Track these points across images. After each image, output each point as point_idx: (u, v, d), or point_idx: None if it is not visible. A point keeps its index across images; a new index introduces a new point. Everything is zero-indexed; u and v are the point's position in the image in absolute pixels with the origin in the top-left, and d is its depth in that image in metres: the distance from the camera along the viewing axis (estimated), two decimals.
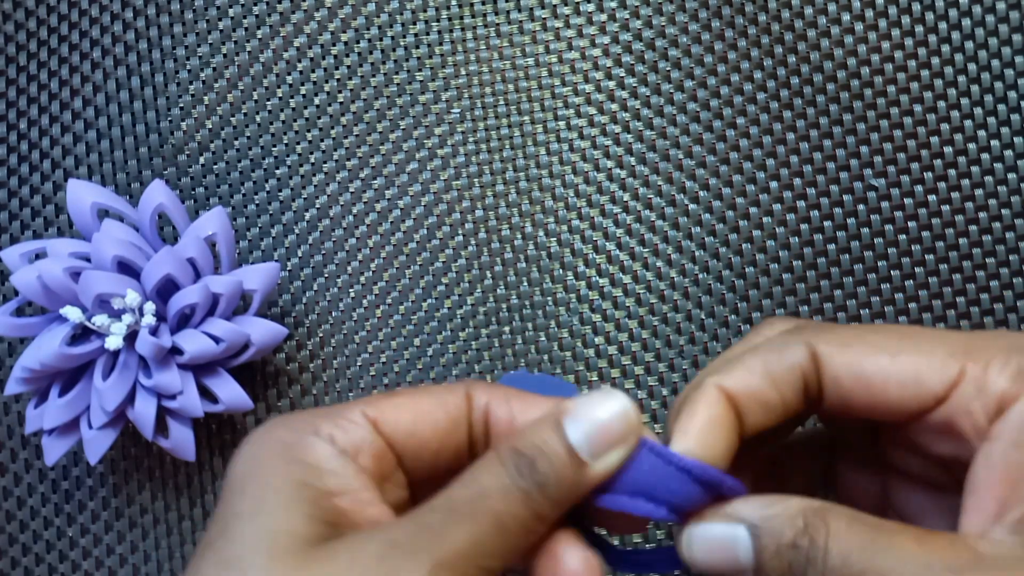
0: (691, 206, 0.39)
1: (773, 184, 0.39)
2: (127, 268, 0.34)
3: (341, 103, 0.40)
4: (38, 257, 0.35)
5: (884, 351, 0.25)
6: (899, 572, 0.22)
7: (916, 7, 0.40)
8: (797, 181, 0.39)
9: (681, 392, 0.26)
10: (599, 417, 0.24)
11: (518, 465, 0.23)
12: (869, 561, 0.23)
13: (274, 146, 0.40)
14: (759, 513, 0.24)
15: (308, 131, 0.40)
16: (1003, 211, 0.38)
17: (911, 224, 0.38)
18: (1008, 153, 0.39)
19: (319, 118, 0.40)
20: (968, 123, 0.39)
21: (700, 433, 0.25)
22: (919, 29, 0.39)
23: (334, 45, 0.40)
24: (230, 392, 0.35)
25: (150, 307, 0.33)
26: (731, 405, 0.25)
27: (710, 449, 0.25)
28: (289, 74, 0.40)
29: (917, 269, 0.38)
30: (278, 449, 0.24)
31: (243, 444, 0.24)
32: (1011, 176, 0.38)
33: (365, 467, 0.24)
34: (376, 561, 0.22)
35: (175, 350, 0.34)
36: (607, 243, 0.39)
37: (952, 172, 0.39)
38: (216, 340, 0.34)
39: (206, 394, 0.35)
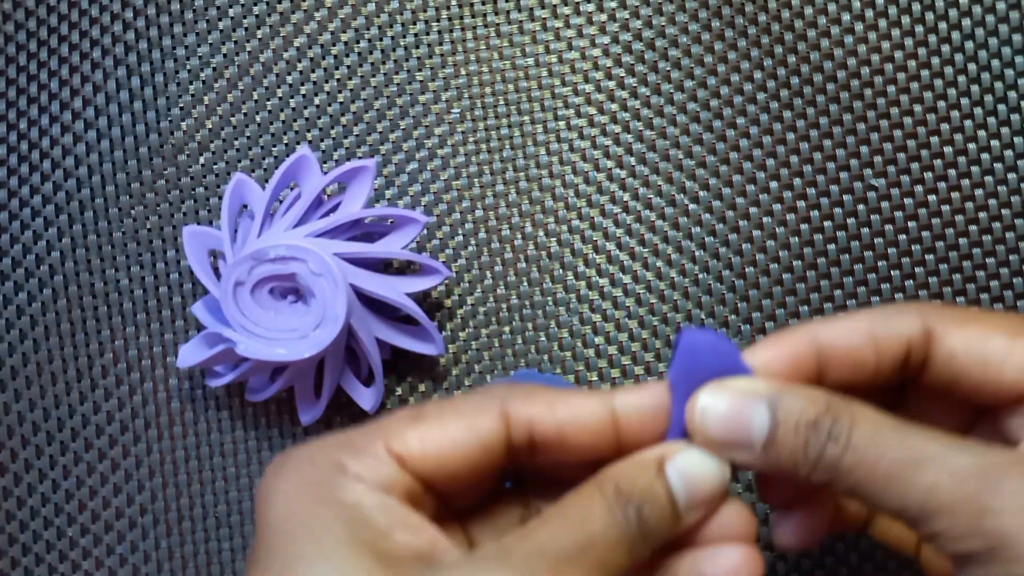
0: (691, 206, 0.39)
1: (773, 184, 0.39)
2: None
3: (341, 103, 0.40)
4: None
5: (1003, 332, 0.24)
6: (933, 459, 0.22)
7: (916, 7, 0.40)
8: (797, 181, 0.39)
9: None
10: (700, 473, 0.24)
11: (625, 511, 0.23)
12: (901, 443, 0.22)
13: (274, 146, 0.40)
14: (780, 389, 0.24)
15: (308, 131, 0.40)
16: (1003, 211, 0.38)
17: (911, 224, 0.38)
18: (1008, 153, 0.38)
19: (319, 118, 0.40)
20: (968, 123, 0.39)
21: (766, 364, 0.24)
22: (919, 29, 0.39)
23: (334, 45, 0.40)
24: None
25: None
26: (815, 355, 0.24)
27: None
28: (289, 74, 0.40)
29: (917, 269, 0.38)
30: (311, 490, 0.22)
31: (267, 481, 0.23)
32: (1011, 176, 0.38)
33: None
34: None
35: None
36: (607, 243, 0.39)
37: (952, 172, 0.39)
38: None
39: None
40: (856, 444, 0.22)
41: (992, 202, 0.38)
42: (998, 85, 0.39)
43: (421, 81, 0.40)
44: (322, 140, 0.40)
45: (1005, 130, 0.39)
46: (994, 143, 0.39)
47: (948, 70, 0.39)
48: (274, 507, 0.22)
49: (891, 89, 0.39)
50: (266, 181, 0.39)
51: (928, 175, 0.39)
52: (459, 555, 0.22)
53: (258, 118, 0.40)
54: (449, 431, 0.23)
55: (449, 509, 0.25)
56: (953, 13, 0.39)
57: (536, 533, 0.22)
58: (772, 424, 0.23)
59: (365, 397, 0.36)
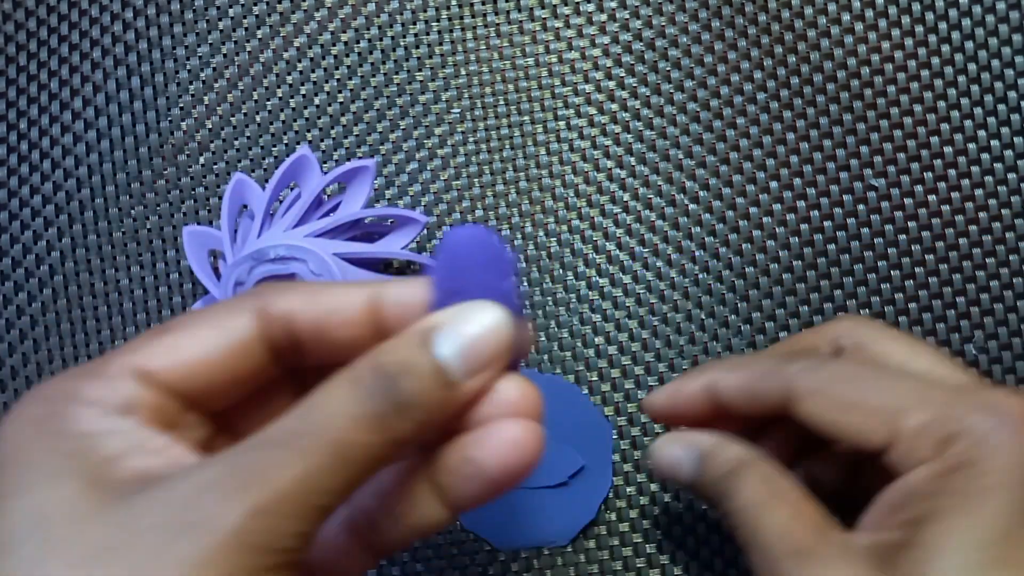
0: (691, 206, 0.39)
1: (773, 184, 0.39)
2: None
3: (341, 103, 0.40)
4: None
5: (855, 397, 0.27)
6: (763, 532, 0.26)
7: (916, 7, 0.40)
8: (797, 181, 0.39)
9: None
10: (472, 332, 0.21)
11: (374, 386, 0.20)
12: (753, 518, 0.26)
13: (274, 146, 0.40)
14: (711, 447, 0.29)
15: (308, 131, 0.40)
16: (1003, 211, 0.38)
17: (911, 224, 0.38)
18: (1008, 153, 0.39)
19: (319, 118, 0.40)
20: (968, 123, 0.39)
21: (666, 401, 0.31)
22: (919, 29, 0.39)
23: (334, 45, 0.41)
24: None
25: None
26: (712, 395, 0.30)
27: (671, 402, 0.31)
28: (289, 74, 0.40)
29: (917, 269, 0.38)
30: (32, 427, 0.20)
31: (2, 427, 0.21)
32: (1011, 176, 0.38)
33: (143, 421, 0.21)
34: (179, 509, 0.18)
35: None
36: (607, 243, 0.39)
37: (952, 172, 0.39)
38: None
39: None
40: (734, 508, 0.27)
41: (992, 202, 0.38)
42: (998, 85, 0.39)
43: (421, 81, 0.40)
44: (322, 140, 0.40)
45: (1005, 130, 0.39)
46: (994, 143, 0.39)
47: (948, 70, 0.39)
48: None
49: (891, 89, 0.39)
50: (266, 181, 0.39)
51: (928, 175, 0.39)
52: (188, 467, 0.20)
53: (258, 118, 0.40)
54: (199, 338, 0.21)
55: (228, 423, 0.23)
56: (953, 13, 0.39)
57: (271, 425, 0.20)
58: (698, 471, 0.29)
59: None
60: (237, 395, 0.23)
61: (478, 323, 0.22)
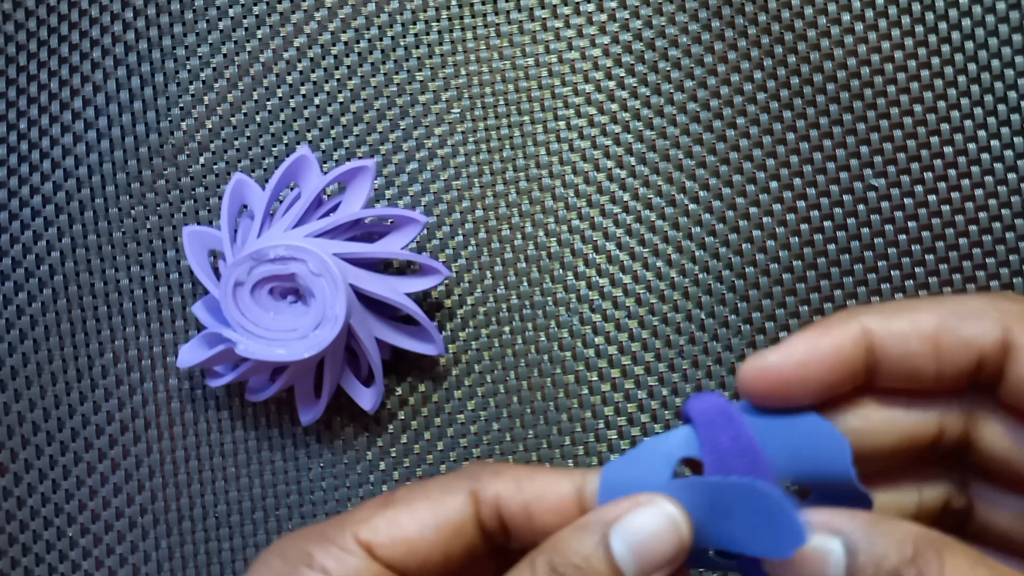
0: (691, 206, 0.39)
1: (773, 184, 0.39)
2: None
3: (341, 103, 0.40)
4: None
5: None
6: None
7: (916, 7, 0.40)
8: (797, 181, 0.39)
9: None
10: (647, 530, 0.21)
11: None
12: None
13: (274, 146, 0.40)
14: (861, 529, 0.20)
15: (308, 131, 0.40)
16: (1003, 211, 0.38)
17: (911, 224, 0.38)
18: (1008, 153, 0.39)
19: (319, 118, 0.40)
20: (968, 123, 0.39)
21: (806, 358, 0.21)
22: (919, 29, 0.39)
23: (334, 45, 0.41)
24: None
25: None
26: (864, 354, 0.21)
27: (802, 360, 0.21)
28: (289, 74, 0.40)
29: (917, 269, 0.38)
30: None
31: (249, 570, 0.24)
32: (1011, 176, 0.38)
33: None
34: None
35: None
36: (607, 243, 0.39)
37: (952, 172, 0.39)
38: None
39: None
40: None
41: (992, 202, 0.38)
42: (998, 85, 0.39)
43: (421, 81, 0.40)
44: (322, 140, 0.40)
45: (1005, 130, 0.39)
46: (994, 143, 0.39)
47: (948, 70, 0.39)
48: None
49: (891, 89, 0.39)
50: (266, 181, 0.39)
51: (928, 175, 0.39)
52: None
53: (258, 118, 0.40)
54: (418, 514, 0.23)
55: None
56: (953, 13, 0.39)
57: None
58: (849, 570, 0.20)
59: (365, 397, 0.36)
60: (444, 567, 0.24)
61: (654, 520, 0.21)
